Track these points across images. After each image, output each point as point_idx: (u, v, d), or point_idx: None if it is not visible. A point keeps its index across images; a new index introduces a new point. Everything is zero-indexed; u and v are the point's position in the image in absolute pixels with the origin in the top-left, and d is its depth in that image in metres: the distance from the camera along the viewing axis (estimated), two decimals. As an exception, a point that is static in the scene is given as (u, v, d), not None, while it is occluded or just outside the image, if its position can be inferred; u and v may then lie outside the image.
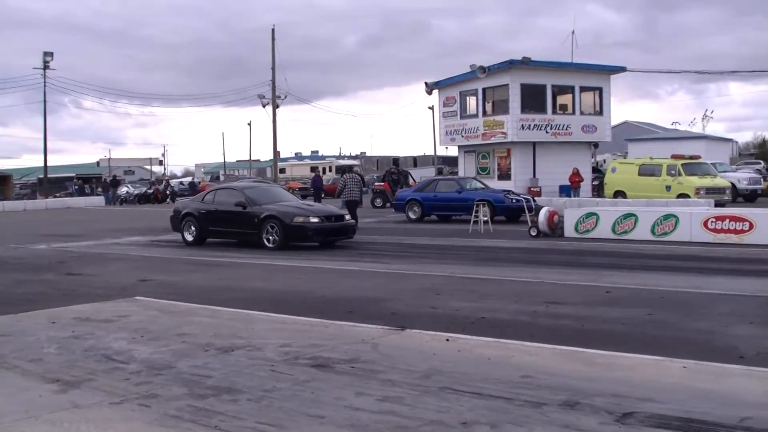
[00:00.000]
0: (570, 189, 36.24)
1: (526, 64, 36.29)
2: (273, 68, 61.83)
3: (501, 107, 36.96)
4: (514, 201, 27.59)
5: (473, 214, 25.13)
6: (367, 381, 6.81)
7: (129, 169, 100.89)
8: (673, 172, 33.09)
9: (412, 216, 30.04)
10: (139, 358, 7.85)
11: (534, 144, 36.65)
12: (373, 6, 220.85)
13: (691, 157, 35.13)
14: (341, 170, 52.83)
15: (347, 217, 21.92)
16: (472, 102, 38.53)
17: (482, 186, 30.51)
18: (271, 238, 20.45)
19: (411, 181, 41.24)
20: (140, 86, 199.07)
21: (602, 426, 5.48)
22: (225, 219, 21.66)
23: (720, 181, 34.01)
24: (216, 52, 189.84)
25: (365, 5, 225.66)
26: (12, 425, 5.75)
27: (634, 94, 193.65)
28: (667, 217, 20.83)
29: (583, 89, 38.32)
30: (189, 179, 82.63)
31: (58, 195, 65.87)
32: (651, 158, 36.25)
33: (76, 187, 70.58)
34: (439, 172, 52.92)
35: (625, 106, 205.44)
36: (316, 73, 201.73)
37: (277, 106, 62.94)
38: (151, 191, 61.65)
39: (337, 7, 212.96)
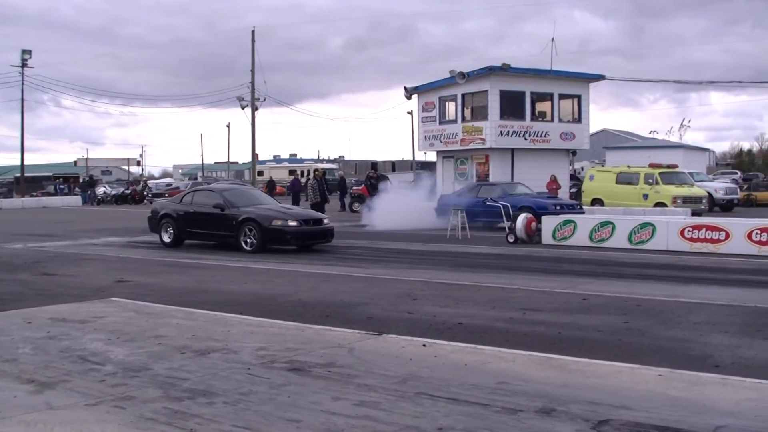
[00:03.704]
0: (548, 196, 36.30)
1: (505, 70, 36.36)
2: (252, 70, 61.78)
3: (480, 113, 37.00)
4: (557, 207, 26.81)
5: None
6: (344, 385, 6.81)
7: (106, 169, 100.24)
8: (650, 180, 33.26)
9: (454, 222, 27.33)
10: (114, 360, 7.82)
11: (512, 150, 36.75)
12: (359, 8, 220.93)
13: (668, 166, 35.32)
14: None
15: (326, 220, 21.91)
16: (451, 107, 38.54)
17: (527, 191, 29.77)
18: (249, 240, 20.41)
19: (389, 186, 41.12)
20: (121, 85, 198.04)
21: (578, 433, 5.51)
22: (203, 221, 21.61)
23: (697, 190, 34.22)
24: (199, 52, 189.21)
25: (351, 7, 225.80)
26: (-15, 426, 5.71)
27: (616, 102, 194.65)
28: (644, 225, 20.95)
29: (561, 97, 38.43)
30: (166, 180, 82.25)
31: (34, 194, 65.42)
32: (629, 166, 36.43)
33: (62, 186, 70.03)
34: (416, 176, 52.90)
35: (607, 114, 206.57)
36: (300, 75, 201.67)
37: (256, 109, 62.86)
38: (128, 192, 61.42)
39: (323, 9, 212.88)
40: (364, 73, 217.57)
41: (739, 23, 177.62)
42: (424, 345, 8.53)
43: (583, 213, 26.27)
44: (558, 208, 26.75)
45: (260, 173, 75.11)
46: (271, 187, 54.40)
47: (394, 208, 29.36)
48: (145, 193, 60.53)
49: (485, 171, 37.20)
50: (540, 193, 30.37)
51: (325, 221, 21.84)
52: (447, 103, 38.72)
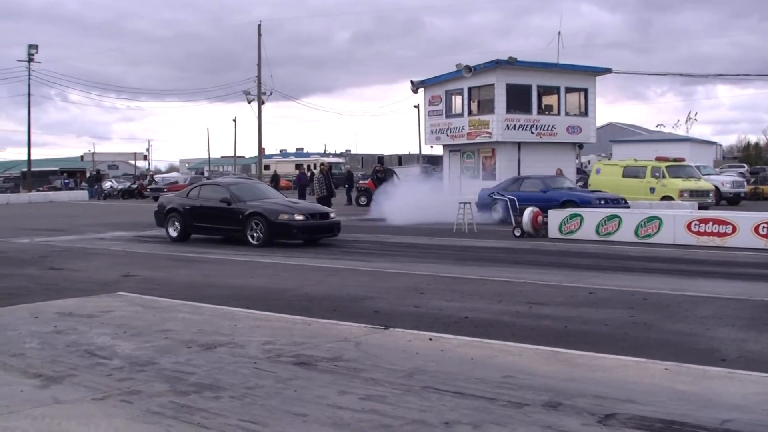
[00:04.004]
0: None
1: (512, 64, 36.24)
2: (259, 64, 61.85)
3: (486, 107, 36.89)
4: (601, 202, 25.91)
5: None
6: (350, 379, 6.82)
7: (113, 163, 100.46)
8: (657, 174, 33.17)
9: (496, 217, 27.66)
10: (121, 354, 7.83)
11: (519, 144, 36.67)
12: (365, 2, 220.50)
13: (675, 160, 35.26)
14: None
15: (332, 214, 21.93)
16: (457, 101, 38.44)
17: (569, 185, 29.34)
18: (255, 235, 20.43)
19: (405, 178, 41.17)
20: (128, 80, 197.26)
21: (584, 427, 5.50)
22: (209, 215, 21.63)
23: (704, 183, 34.14)
24: (205, 47, 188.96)
25: (357, 1, 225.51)
26: (-7, 420, 5.73)
27: (623, 95, 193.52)
28: (650, 219, 20.92)
29: (568, 90, 38.30)
30: (173, 175, 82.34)
31: (41, 189, 65.52)
32: (635, 160, 36.37)
33: (67, 181, 70.03)
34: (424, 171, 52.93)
35: (614, 107, 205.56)
36: (307, 69, 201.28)
37: (263, 103, 62.92)
38: (135, 186, 61.50)
39: (329, 3, 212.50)
40: (370, 67, 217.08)
41: (746, 16, 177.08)
42: (430, 339, 8.54)
43: (628, 207, 25.64)
44: (602, 202, 25.89)
45: (267, 167, 75.10)
46: (275, 181, 54.20)
47: (413, 202, 29.11)
48: (145, 187, 60.62)
49: (492, 165, 37.15)
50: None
51: (332, 215, 21.87)
52: (453, 97, 38.63)
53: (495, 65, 36.25)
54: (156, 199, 50.43)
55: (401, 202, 29.27)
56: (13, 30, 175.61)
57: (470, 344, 8.33)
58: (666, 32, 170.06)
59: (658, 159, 34.94)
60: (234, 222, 20.96)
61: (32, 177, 68.96)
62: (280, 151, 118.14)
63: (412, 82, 40.22)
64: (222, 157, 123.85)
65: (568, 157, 38.74)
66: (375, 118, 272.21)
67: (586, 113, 38.54)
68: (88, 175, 71.87)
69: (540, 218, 22.69)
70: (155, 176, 73.16)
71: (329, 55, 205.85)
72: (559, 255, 18.28)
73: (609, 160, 49.58)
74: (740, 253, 18.07)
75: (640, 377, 6.92)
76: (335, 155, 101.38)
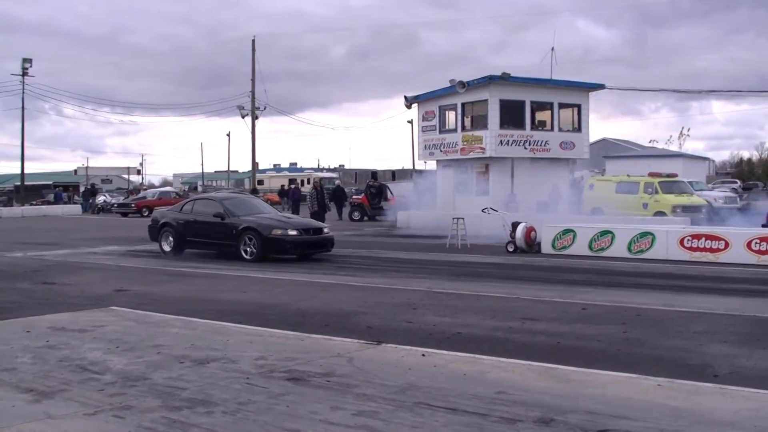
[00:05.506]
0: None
1: (505, 79, 36.30)
2: (252, 79, 61.98)
3: (480, 122, 36.94)
4: None
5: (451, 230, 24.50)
6: (342, 395, 6.81)
7: (107, 177, 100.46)
8: (650, 189, 33.24)
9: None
10: (113, 369, 7.82)
11: (512, 160, 36.74)
12: (361, 18, 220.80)
13: (668, 175, 35.34)
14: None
15: (326, 230, 21.92)
16: (451, 117, 38.48)
17: None
18: (248, 249, 20.41)
19: (389, 195, 41.15)
20: (123, 94, 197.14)
21: (576, 443, 5.51)
22: (203, 230, 21.60)
23: (696, 199, 34.19)
24: (201, 61, 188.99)
25: (354, 17, 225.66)
26: (-16, 435, 5.72)
27: (617, 111, 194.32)
28: (643, 234, 20.95)
29: (561, 106, 38.35)
30: (166, 189, 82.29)
31: (34, 203, 65.38)
32: (628, 176, 36.45)
33: (62, 193, 69.86)
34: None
35: (608, 123, 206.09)
36: (302, 84, 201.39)
37: (257, 118, 63.02)
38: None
39: (325, 18, 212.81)
40: (365, 82, 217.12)
41: (741, 33, 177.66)
42: (423, 355, 8.53)
43: None
44: None
45: (260, 182, 75.18)
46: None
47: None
48: (108, 202, 60.60)
49: (485, 180, 37.16)
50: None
51: (325, 230, 21.85)
52: (447, 113, 38.68)
53: (488, 81, 36.32)
54: (123, 215, 50.79)
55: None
56: (8, 43, 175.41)
57: (463, 360, 8.33)
58: (661, 48, 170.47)
59: (651, 174, 35.02)
60: (227, 237, 20.93)
61: (25, 191, 68.86)
62: (274, 165, 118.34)
63: (405, 97, 40.29)
64: (216, 171, 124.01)
65: (562, 173, 38.81)
66: (369, 133, 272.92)
67: (579, 129, 38.59)
68: (82, 189, 71.77)
69: (533, 234, 22.71)
70: (149, 190, 73.06)
71: (324, 70, 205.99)
72: (552, 270, 18.29)
73: (602, 175, 49.66)
74: (733, 268, 18.11)
75: (632, 393, 6.93)
76: (329, 170, 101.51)
